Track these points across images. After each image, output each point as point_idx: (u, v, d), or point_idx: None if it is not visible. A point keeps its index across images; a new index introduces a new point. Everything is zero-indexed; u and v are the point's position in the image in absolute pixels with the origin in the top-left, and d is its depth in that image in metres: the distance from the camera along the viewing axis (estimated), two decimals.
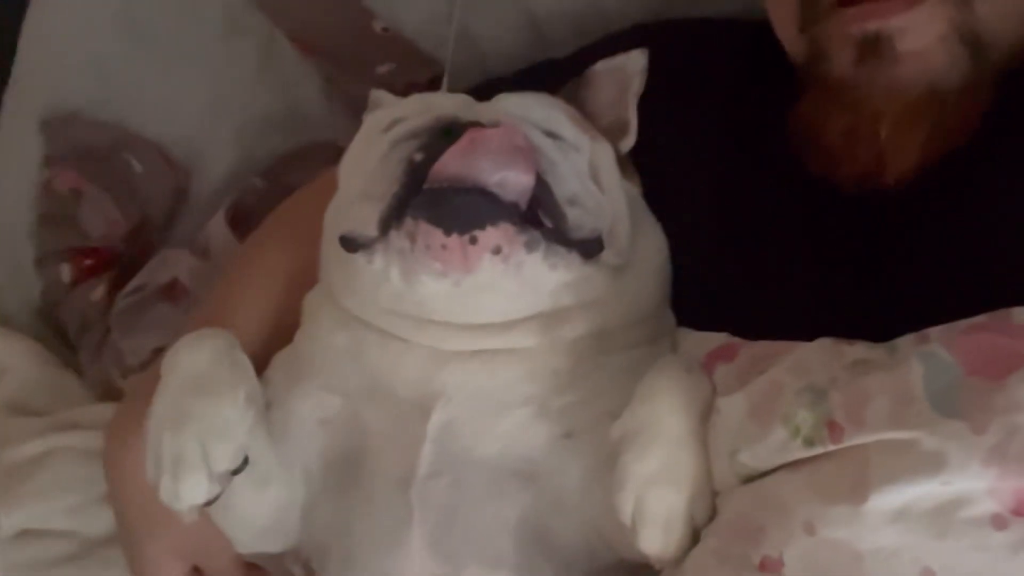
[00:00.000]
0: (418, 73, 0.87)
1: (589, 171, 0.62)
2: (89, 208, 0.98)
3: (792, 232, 0.66)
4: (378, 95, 0.71)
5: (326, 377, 0.63)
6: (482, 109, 0.63)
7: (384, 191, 0.58)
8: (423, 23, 0.87)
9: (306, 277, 0.69)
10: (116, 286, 0.95)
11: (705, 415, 0.57)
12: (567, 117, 0.64)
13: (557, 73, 0.73)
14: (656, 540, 0.55)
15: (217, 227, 0.89)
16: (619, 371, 0.61)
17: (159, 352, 0.85)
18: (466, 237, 0.56)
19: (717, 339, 0.62)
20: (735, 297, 0.65)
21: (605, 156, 0.64)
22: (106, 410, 0.83)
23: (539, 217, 0.57)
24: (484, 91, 0.71)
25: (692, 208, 0.67)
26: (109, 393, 0.90)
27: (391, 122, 0.62)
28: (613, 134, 0.66)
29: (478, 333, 0.60)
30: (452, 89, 0.81)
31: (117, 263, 0.96)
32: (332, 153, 0.92)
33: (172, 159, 0.97)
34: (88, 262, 0.97)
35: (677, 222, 0.66)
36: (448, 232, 0.56)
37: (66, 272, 0.97)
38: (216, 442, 0.58)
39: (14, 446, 0.85)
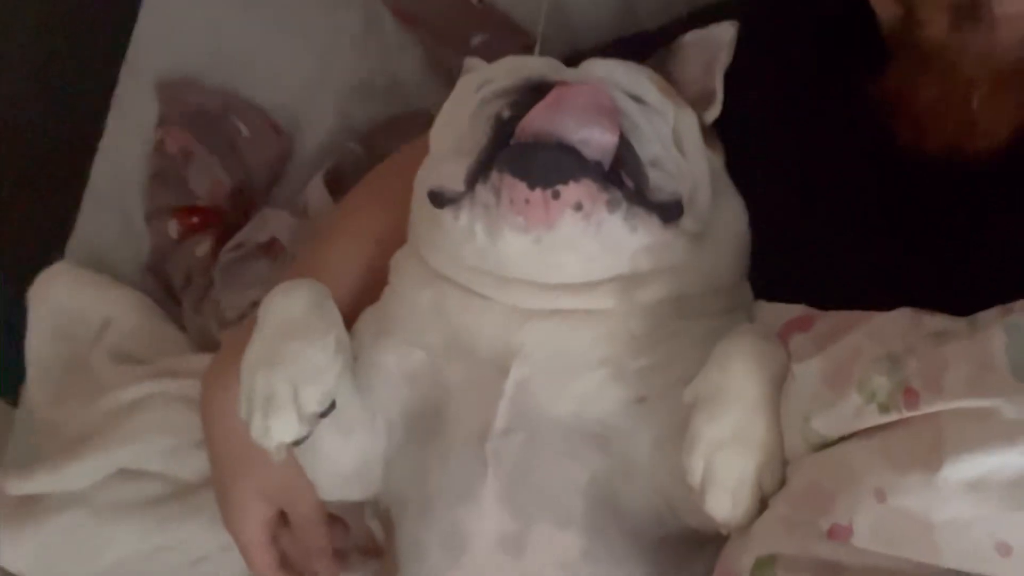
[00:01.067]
0: (511, 44, 0.88)
1: (673, 137, 0.63)
2: (197, 168, 1.02)
3: (874, 203, 0.65)
4: (471, 62, 0.72)
5: (410, 332, 0.65)
6: (570, 72, 0.64)
7: (472, 147, 0.59)
8: None
9: (396, 237, 0.71)
10: (220, 243, 0.98)
11: (779, 382, 0.57)
12: (653, 83, 0.64)
13: (646, 45, 0.73)
14: (724, 504, 0.55)
15: (316, 189, 0.92)
16: (695, 338, 0.61)
17: (256, 305, 0.91)
18: (549, 192, 0.57)
19: (794, 310, 0.62)
20: (814, 269, 0.64)
21: (690, 124, 0.65)
22: (204, 360, 0.85)
23: (621, 177, 0.58)
24: (573, 62, 0.71)
25: (774, 180, 0.67)
26: (208, 344, 0.93)
27: (482, 82, 0.64)
28: (699, 104, 0.67)
29: (557, 293, 0.61)
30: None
31: (221, 221, 1.00)
32: (427, 122, 0.93)
33: (277, 124, 1.00)
34: (194, 219, 1.00)
35: (759, 194, 0.66)
36: (532, 186, 0.57)
37: (173, 228, 1.01)
38: (306, 384, 0.60)
39: (115, 391, 0.88)
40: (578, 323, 0.61)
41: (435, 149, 0.67)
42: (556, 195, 0.57)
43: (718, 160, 0.67)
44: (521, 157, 0.57)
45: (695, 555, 0.61)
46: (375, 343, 0.66)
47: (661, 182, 0.59)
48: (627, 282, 0.61)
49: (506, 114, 0.59)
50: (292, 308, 0.63)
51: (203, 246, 0.99)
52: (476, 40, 0.89)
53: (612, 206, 0.58)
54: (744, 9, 0.71)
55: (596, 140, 0.57)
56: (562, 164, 0.56)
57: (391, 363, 0.64)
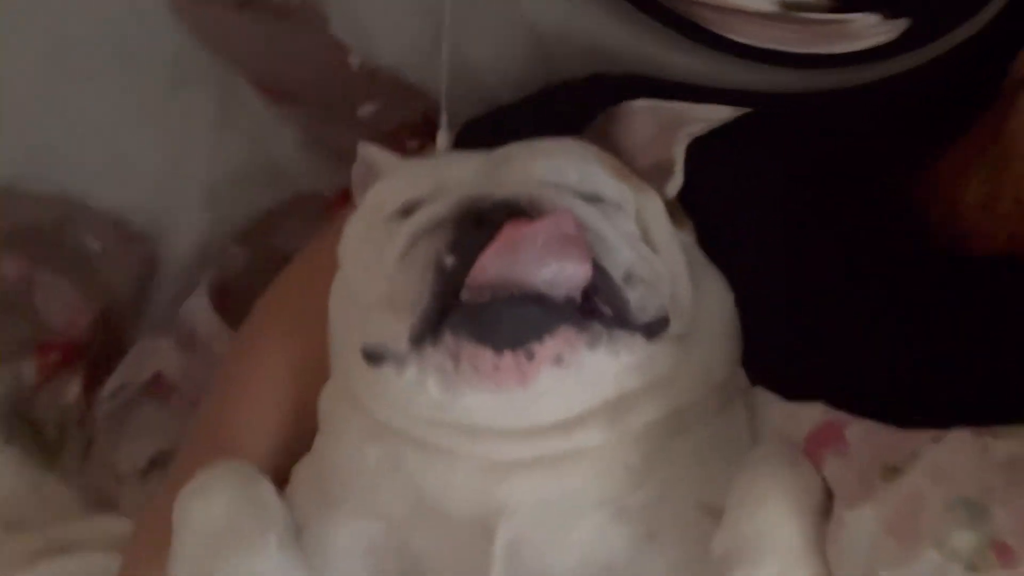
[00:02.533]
0: (408, 110, 0.76)
1: (638, 230, 0.55)
2: (44, 296, 0.87)
3: (892, 289, 0.58)
4: (369, 151, 0.63)
5: (362, 499, 0.55)
6: (508, 176, 0.55)
7: (412, 301, 0.51)
8: (408, 52, 0.76)
9: (315, 370, 0.61)
10: (91, 382, 0.84)
11: (819, 518, 0.50)
12: (604, 169, 0.57)
13: (573, 99, 0.65)
14: None
15: (200, 309, 0.79)
16: (697, 451, 0.55)
17: (156, 460, 0.78)
18: (521, 353, 0.50)
19: (812, 414, 0.54)
20: (817, 357, 0.57)
21: (653, 208, 0.57)
22: (104, 523, 0.75)
23: (596, 306, 0.51)
24: (488, 124, 0.64)
25: (759, 255, 0.59)
26: (103, 500, 0.80)
27: (403, 204, 0.55)
28: (654, 176, 0.59)
29: (537, 438, 0.53)
30: (451, 123, 0.71)
31: (87, 355, 0.86)
32: (319, 206, 0.83)
33: (132, 231, 0.86)
34: (54, 356, 0.86)
35: (739, 270, 0.59)
36: (499, 351, 0.49)
37: (30, 370, 0.86)
38: None
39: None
40: (566, 466, 0.53)
41: (353, 283, 0.58)
42: (530, 355, 0.50)
43: (688, 238, 0.59)
44: (480, 319, 0.49)
45: None
46: (321, 516, 0.56)
47: (642, 300, 0.52)
48: (614, 409, 0.53)
49: (449, 262, 0.50)
50: (214, 513, 0.54)
51: (71, 389, 0.85)
52: (365, 110, 0.77)
53: (592, 344, 0.51)
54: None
55: (565, 276, 0.49)
56: (531, 319, 0.49)
57: (344, 540, 0.55)
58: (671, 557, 0.52)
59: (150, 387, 0.80)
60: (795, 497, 0.50)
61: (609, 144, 0.59)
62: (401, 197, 0.56)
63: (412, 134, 0.76)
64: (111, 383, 0.81)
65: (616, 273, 0.51)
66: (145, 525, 0.62)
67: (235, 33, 0.77)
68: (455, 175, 0.56)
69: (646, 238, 0.55)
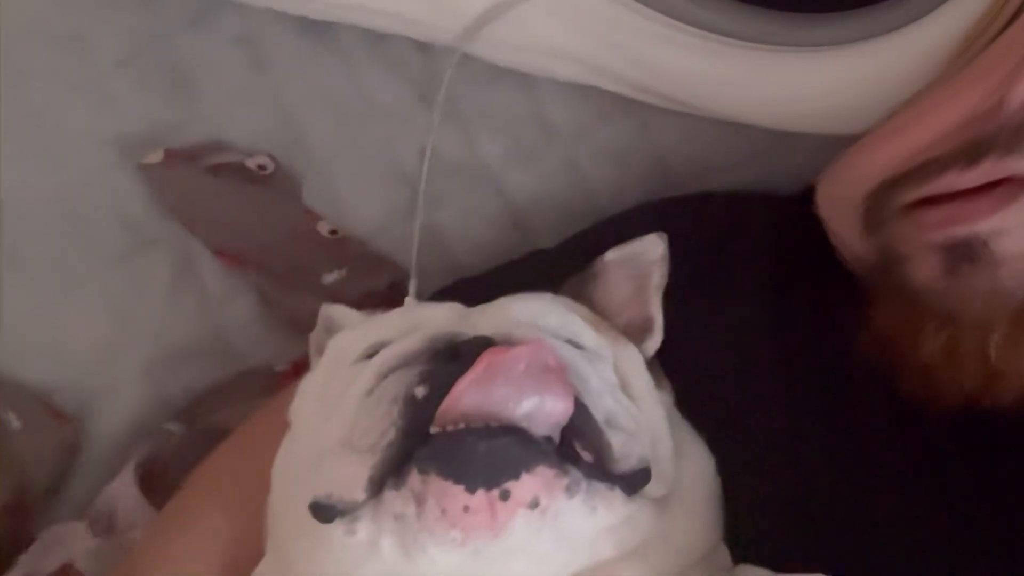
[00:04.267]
0: (374, 278, 0.73)
1: (618, 380, 0.51)
2: None
3: (878, 451, 0.55)
4: (331, 310, 0.59)
5: None
6: (483, 320, 0.52)
7: (375, 440, 0.45)
8: (379, 220, 0.74)
9: (250, 551, 0.54)
10: None
11: None
12: (583, 319, 0.53)
13: (546, 266, 0.63)
14: None
15: (124, 490, 0.70)
16: None
17: None
18: (495, 492, 0.44)
19: None
20: (804, 527, 0.53)
21: (632, 361, 0.54)
22: None
23: (575, 450, 0.46)
24: (461, 294, 0.60)
25: (740, 418, 0.56)
26: None
27: (370, 347, 0.51)
28: (633, 334, 0.56)
29: None
30: (420, 294, 0.67)
31: None
32: (267, 382, 0.77)
33: (60, 410, 0.78)
34: None
35: (720, 435, 0.54)
36: (472, 488, 0.43)
37: None
38: None
39: None
40: None
41: (305, 439, 0.52)
42: (505, 495, 0.44)
43: (668, 398, 0.55)
44: (452, 452, 0.44)
45: None
46: None
47: (624, 447, 0.47)
48: None
49: (420, 393, 0.45)
50: None
51: None
52: (330, 278, 0.73)
53: (571, 491, 0.45)
54: (671, 216, 0.61)
55: (547, 411, 0.44)
56: (508, 454, 0.44)
57: None
58: None
59: None
60: None
61: (587, 304, 0.56)
62: (367, 341, 0.51)
63: (377, 303, 0.71)
64: (13, 575, 0.71)
65: (597, 416, 0.47)
66: None
67: (203, 198, 0.74)
68: (427, 316, 0.52)
69: (626, 391, 0.51)
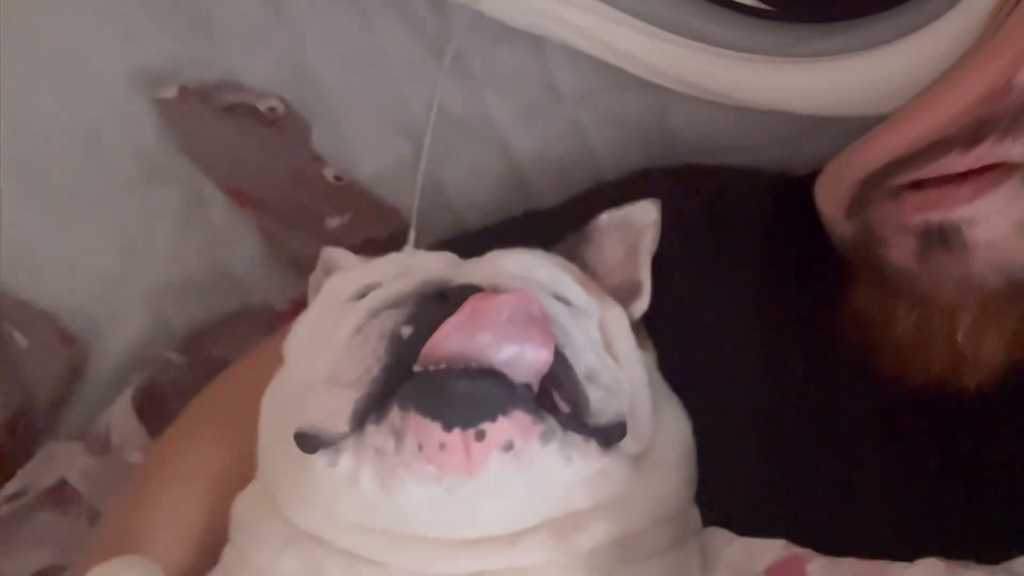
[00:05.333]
0: (376, 227, 0.74)
1: (601, 339, 0.53)
2: None
3: (853, 425, 0.56)
4: (332, 253, 0.61)
5: None
6: (474, 269, 0.53)
7: (360, 375, 0.47)
8: (384, 169, 0.75)
9: (239, 480, 0.56)
10: None
11: None
12: (572, 277, 0.54)
13: (544, 225, 0.64)
14: None
15: (121, 414, 0.72)
16: None
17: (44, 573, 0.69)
18: (471, 432, 0.45)
19: (772, 549, 0.51)
20: (776, 494, 0.55)
21: (617, 321, 0.55)
22: None
23: (554, 400, 0.47)
24: (458, 247, 0.61)
25: (720, 385, 0.57)
26: None
27: (363, 288, 0.52)
28: (622, 296, 0.57)
29: (474, 551, 0.48)
30: (419, 245, 0.68)
31: None
32: (268, 320, 0.79)
33: (67, 332, 0.80)
34: None
35: (700, 400, 0.56)
36: (448, 427, 0.45)
37: None
38: None
39: None
40: None
41: (295, 372, 0.54)
42: (480, 436, 0.45)
43: (651, 360, 0.57)
44: (432, 390, 0.45)
45: None
46: None
47: (602, 401, 0.48)
48: (561, 527, 0.49)
49: (406, 332, 0.46)
50: None
51: None
52: (333, 223, 0.74)
53: (546, 438, 0.47)
54: (667, 184, 0.62)
55: (527, 359, 0.45)
56: (486, 396, 0.45)
57: None
58: None
59: (51, 494, 0.72)
60: None
61: (579, 264, 0.58)
62: (360, 282, 0.53)
63: (376, 250, 0.73)
64: (9, 487, 0.73)
65: (578, 368, 0.48)
66: None
67: (214, 136, 0.76)
68: (420, 263, 0.53)
69: (609, 349, 0.53)
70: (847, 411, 0.56)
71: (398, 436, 0.45)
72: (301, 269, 0.76)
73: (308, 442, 0.48)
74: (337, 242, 0.73)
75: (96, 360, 0.80)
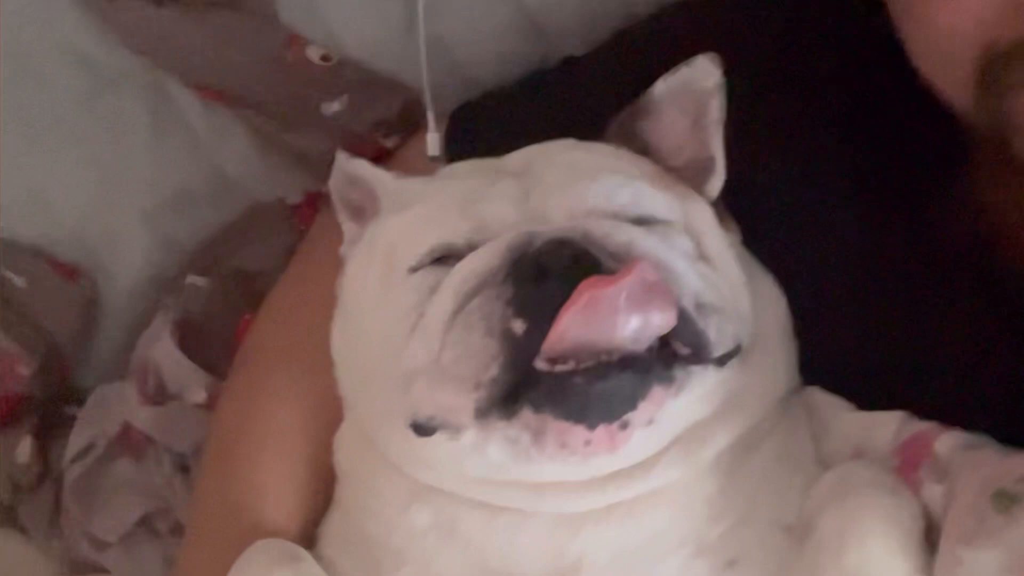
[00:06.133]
0: (381, 106, 0.67)
1: (692, 245, 0.50)
2: None
3: (960, 310, 0.53)
4: (349, 164, 0.55)
5: (414, 567, 0.50)
6: (553, 210, 0.49)
7: (475, 371, 0.45)
8: (373, 39, 0.66)
9: (329, 416, 0.55)
10: (44, 437, 0.75)
11: (923, 548, 0.47)
12: (648, 182, 0.51)
13: (581, 80, 0.58)
14: None
15: (166, 353, 0.69)
16: (767, 468, 0.51)
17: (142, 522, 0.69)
18: (615, 425, 0.45)
19: (890, 422, 0.51)
20: (872, 371, 0.53)
21: (701, 216, 0.52)
22: None
23: (674, 348, 0.46)
24: (481, 114, 0.56)
25: (808, 261, 0.54)
26: (78, 567, 0.73)
27: (432, 251, 0.49)
28: (692, 175, 0.53)
29: (609, 485, 0.49)
30: (435, 115, 0.62)
31: (35, 407, 0.76)
32: (282, 216, 0.73)
33: (68, 267, 0.75)
34: None
35: (787, 276, 0.54)
36: (593, 427, 0.45)
37: None
38: None
39: None
40: (643, 511, 0.49)
41: (371, 334, 0.51)
42: (624, 425, 0.45)
43: (735, 238, 0.54)
44: (567, 394, 0.44)
45: None
46: None
47: (719, 332, 0.47)
48: (687, 442, 0.49)
49: (518, 328, 0.44)
50: None
51: (23, 448, 0.76)
52: (331, 109, 0.66)
53: (676, 393, 0.47)
54: (713, 22, 0.54)
55: (653, 328, 0.44)
56: (624, 389, 0.44)
57: None
58: None
59: (121, 442, 0.71)
60: (901, 530, 0.47)
61: (638, 144, 0.53)
62: (426, 240, 0.49)
63: (388, 132, 0.66)
64: (74, 442, 0.72)
65: (689, 305, 0.46)
66: None
67: (159, 30, 0.66)
68: (487, 210, 0.49)
69: (700, 252, 0.50)
70: (953, 294, 0.53)
71: (536, 434, 0.45)
72: (306, 161, 0.70)
73: (425, 430, 0.47)
74: (341, 129, 0.67)
75: (107, 289, 0.75)
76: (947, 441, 0.49)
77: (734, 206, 0.53)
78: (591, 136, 0.53)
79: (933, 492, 0.48)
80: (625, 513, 0.49)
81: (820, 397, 0.54)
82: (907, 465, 0.49)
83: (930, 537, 0.47)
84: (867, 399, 0.52)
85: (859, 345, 0.53)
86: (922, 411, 0.51)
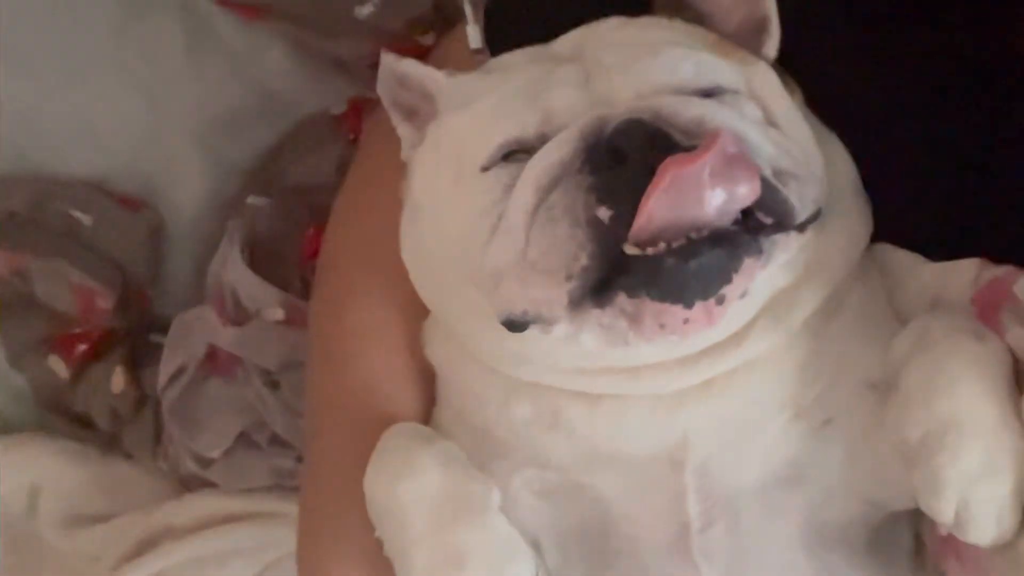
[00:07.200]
0: (414, 1, 0.65)
1: (761, 113, 0.50)
2: (47, 285, 0.78)
3: None
4: (397, 65, 0.54)
5: (526, 455, 0.52)
6: (619, 91, 0.47)
7: (564, 262, 0.45)
8: None
9: (420, 309, 0.55)
10: (135, 366, 0.78)
11: (1012, 390, 0.47)
12: (706, 48, 0.49)
13: None
14: (989, 533, 0.48)
15: (239, 274, 0.70)
16: (852, 327, 0.52)
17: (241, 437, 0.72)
18: (711, 301, 0.45)
19: (968, 271, 0.50)
20: (948, 209, 0.52)
21: (764, 80, 0.51)
22: (202, 502, 0.74)
23: (758, 217, 0.46)
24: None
25: (873, 114, 0.53)
26: (186, 482, 0.77)
27: (500, 148, 0.48)
28: (746, 39, 0.51)
29: (704, 361, 0.49)
30: (473, 5, 0.60)
31: (121, 338, 0.78)
32: (329, 127, 0.73)
33: (128, 197, 0.76)
34: (81, 348, 0.79)
35: (854, 130, 0.53)
36: (690, 305, 0.45)
37: (59, 366, 0.79)
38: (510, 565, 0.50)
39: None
40: (739, 382, 0.50)
41: (446, 233, 0.51)
42: (721, 300, 0.45)
43: (799, 99, 0.53)
44: (662, 276, 0.44)
45: (901, 524, 0.55)
46: (485, 468, 0.52)
47: (799, 199, 0.47)
48: (775, 309, 0.50)
49: (604, 215, 0.44)
50: (431, 486, 0.50)
51: (117, 379, 0.79)
52: (364, 11, 0.65)
53: (765, 262, 0.46)
54: None
55: (739, 199, 0.43)
56: (718, 264, 0.44)
57: (516, 486, 0.52)
58: (848, 438, 0.51)
59: (209, 363, 0.74)
60: (988, 374, 0.47)
61: (688, 13, 0.52)
62: (495, 137, 0.48)
63: (425, 29, 0.65)
64: (165, 368, 0.74)
65: (769, 174, 0.46)
66: (319, 512, 0.57)
67: None
68: (551, 100, 0.48)
69: (768, 117, 0.49)
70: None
71: (633, 319, 0.45)
72: (346, 68, 0.69)
73: (517, 325, 0.48)
74: (376, 31, 0.65)
75: (171, 217, 0.77)
76: None
77: (791, 68, 0.52)
78: (637, 8, 0.52)
79: (1018, 335, 0.48)
80: (723, 386, 0.50)
81: (891, 252, 0.54)
82: (988, 311, 0.49)
83: (1019, 380, 0.47)
84: (938, 255, 0.51)
85: (926, 197, 0.52)
86: (996, 259, 0.50)
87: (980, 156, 0.52)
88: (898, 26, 0.53)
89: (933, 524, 0.49)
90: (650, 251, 0.43)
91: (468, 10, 0.59)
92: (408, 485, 0.50)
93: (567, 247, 0.44)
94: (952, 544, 0.50)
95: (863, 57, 0.53)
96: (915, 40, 0.52)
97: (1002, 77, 0.51)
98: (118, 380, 0.78)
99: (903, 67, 0.53)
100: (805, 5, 0.51)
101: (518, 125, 0.47)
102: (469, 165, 0.49)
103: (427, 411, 0.56)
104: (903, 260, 0.53)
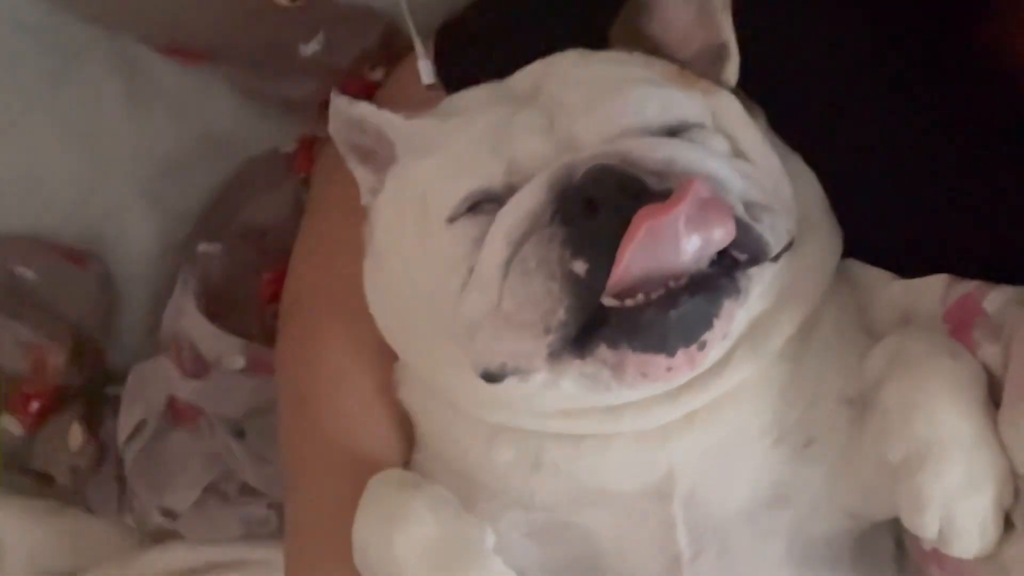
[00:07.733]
0: (359, 37, 0.64)
1: (727, 144, 0.49)
2: None
3: (998, 147, 0.52)
4: (350, 108, 0.52)
5: (509, 496, 0.52)
6: (579, 127, 0.47)
7: (541, 316, 0.45)
8: None
9: (389, 353, 0.55)
10: (92, 419, 0.76)
11: (988, 407, 0.48)
12: (671, 85, 0.49)
13: None
14: (973, 547, 0.49)
15: (195, 327, 0.69)
16: (827, 345, 0.52)
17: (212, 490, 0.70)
18: (693, 347, 0.45)
19: (935, 285, 0.51)
20: (914, 219, 0.52)
21: (729, 107, 0.51)
22: (171, 553, 0.73)
23: (734, 256, 0.46)
24: (464, 29, 0.54)
25: (840, 127, 0.53)
26: (153, 536, 0.74)
27: (467, 199, 0.47)
28: (705, 65, 0.51)
29: (686, 394, 0.49)
30: (422, 35, 0.59)
31: (76, 393, 0.76)
32: (278, 166, 0.71)
33: (74, 252, 0.73)
34: (35, 404, 0.76)
35: (820, 147, 0.53)
36: (672, 353, 0.45)
37: (14, 426, 0.77)
38: None
39: None
40: (721, 412, 0.50)
41: (410, 282, 0.51)
42: (703, 345, 0.45)
43: (762, 123, 0.53)
44: (642, 327, 0.44)
45: (882, 532, 0.55)
46: (473, 510, 0.52)
47: (772, 232, 0.47)
48: (753, 338, 0.50)
49: (580, 269, 0.43)
50: (427, 532, 0.49)
51: (74, 436, 0.77)
52: (308, 49, 0.64)
53: (743, 300, 0.47)
54: None
55: (714, 244, 0.44)
56: (698, 312, 0.44)
57: (503, 527, 0.52)
58: (830, 456, 0.51)
59: (171, 415, 0.72)
60: (965, 392, 0.47)
61: (645, 43, 0.51)
62: (460, 188, 0.47)
63: (373, 64, 0.64)
64: (125, 422, 0.72)
65: (741, 211, 0.46)
66: (304, 565, 0.55)
67: None
68: (516, 147, 0.47)
69: (735, 148, 0.49)
70: (990, 150, 0.52)
71: (615, 368, 0.45)
72: (292, 107, 0.67)
73: (495, 377, 0.47)
74: (323, 69, 0.64)
75: (120, 268, 0.75)
76: (996, 298, 0.49)
77: (750, 90, 0.51)
78: (587, 36, 0.51)
79: (990, 352, 0.48)
80: (705, 418, 0.50)
81: (860, 268, 0.54)
82: (960, 328, 0.49)
83: (993, 396, 0.48)
84: (906, 268, 0.52)
85: (892, 212, 0.52)
86: (964, 274, 0.50)
87: (945, 158, 0.52)
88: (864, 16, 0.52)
89: (916, 536, 0.50)
90: (629, 303, 0.43)
91: (418, 45, 0.58)
92: (402, 534, 0.49)
93: (544, 301, 0.44)
94: (934, 555, 0.51)
95: (822, 50, 0.52)
96: (879, 32, 0.52)
97: (967, 70, 0.51)
98: (75, 436, 0.76)
99: (864, 59, 0.53)
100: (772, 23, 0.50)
101: (483, 176, 0.47)
102: (435, 216, 0.48)
103: (407, 454, 0.55)
104: (872, 276, 0.54)
